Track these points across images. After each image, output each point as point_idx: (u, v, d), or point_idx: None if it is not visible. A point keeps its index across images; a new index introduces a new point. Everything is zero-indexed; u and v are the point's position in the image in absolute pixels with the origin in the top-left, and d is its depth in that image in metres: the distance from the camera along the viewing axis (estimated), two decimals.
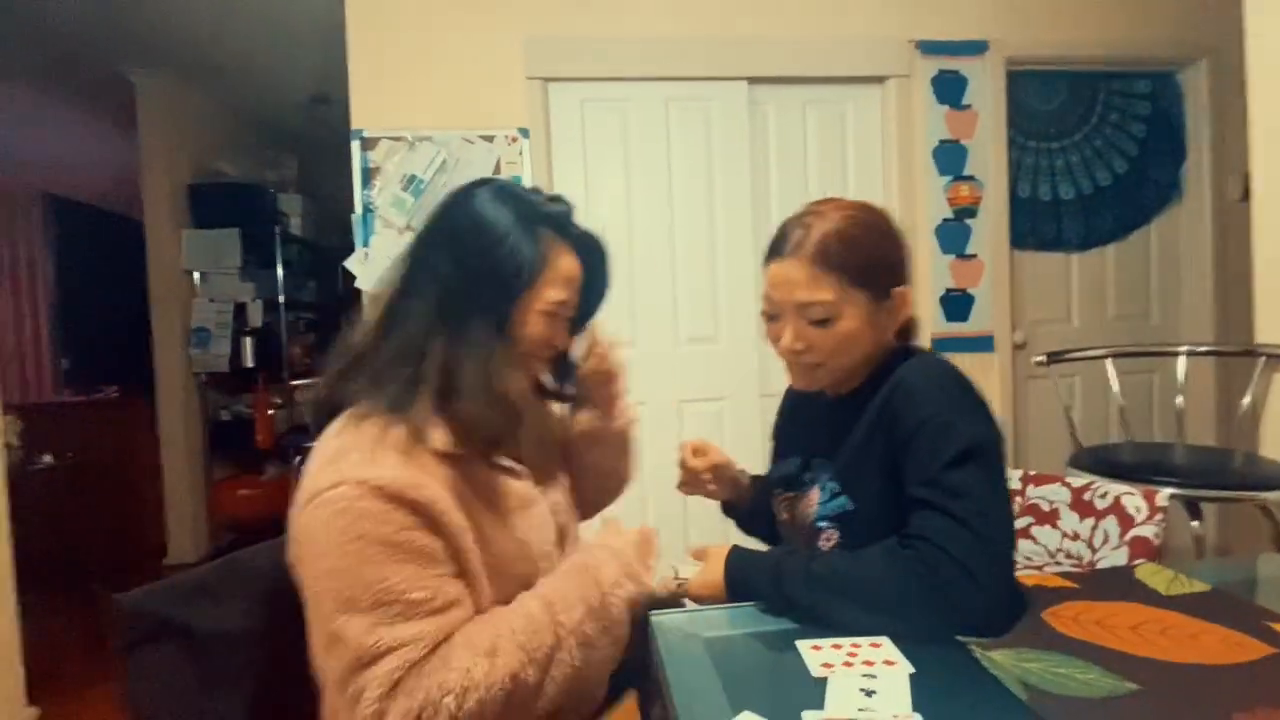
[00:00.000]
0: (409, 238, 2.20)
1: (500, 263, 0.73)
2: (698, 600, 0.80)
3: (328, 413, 0.74)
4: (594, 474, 0.99)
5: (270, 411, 3.49)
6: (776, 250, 0.84)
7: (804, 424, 0.95)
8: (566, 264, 0.78)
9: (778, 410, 1.06)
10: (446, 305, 0.72)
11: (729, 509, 1.11)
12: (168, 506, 3.33)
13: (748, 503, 1.07)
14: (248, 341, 3.47)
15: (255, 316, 3.50)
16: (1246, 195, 2.49)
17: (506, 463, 0.78)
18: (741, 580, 0.76)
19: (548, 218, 0.78)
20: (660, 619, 0.71)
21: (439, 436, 0.69)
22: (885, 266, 0.82)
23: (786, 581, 0.71)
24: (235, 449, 3.51)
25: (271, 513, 3.30)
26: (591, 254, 0.84)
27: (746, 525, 1.09)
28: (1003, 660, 0.59)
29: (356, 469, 0.64)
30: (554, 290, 0.76)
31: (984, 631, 0.64)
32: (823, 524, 0.82)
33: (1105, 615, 0.67)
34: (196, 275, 3.42)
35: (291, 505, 0.69)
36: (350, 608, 0.62)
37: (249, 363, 3.48)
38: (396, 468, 0.65)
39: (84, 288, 4.05)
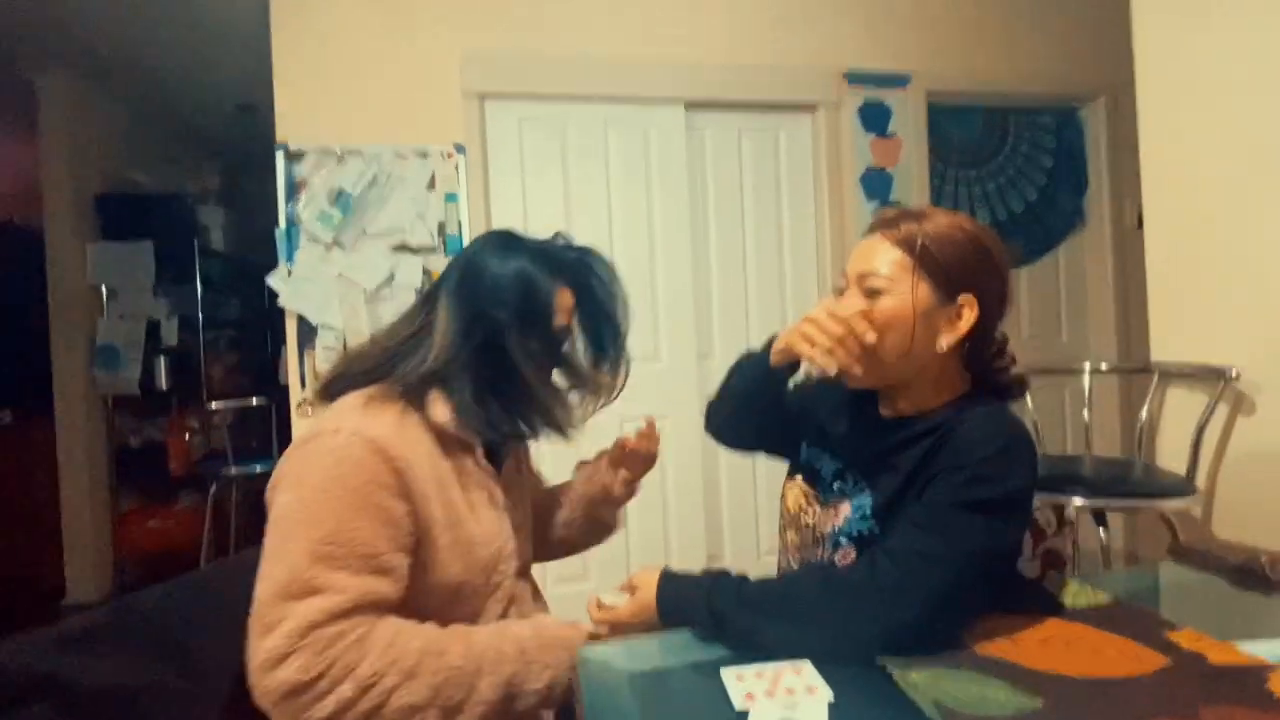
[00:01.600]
0: (336, 253, 2.17)
1: (536, 307, 0.84)
2: (629, 628, 0.78)
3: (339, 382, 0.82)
4: (590, 522, 1.09)
5: (186, 436, 3.27)
6: (870, 228, 0.83)
7: (850, 427, 0.89)
8: (564, 298, 0.88)
9: (808, 390, 1.00)
10: (484, 337, 0.81)
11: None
12: (66, 541, 3.06)
13: (777, 373, 0.95)
14: (161, 361, 3.26)
15: (170, 335, 3.29)
16: (1142, 223, 2.71)
17: (487, 465, 0.84)
18: (672, 603, 0.75)
19: (565, 266, 0.88)
20: (585, 653, 0.69)
21: (440, 411, 0.78)
22: (961, 270, 0.76)
23: (717, 600, 0.71)
24: (145, 478, 3.27)
25: (183, 546, 3.09)
26: (580, 279, 0.92)
27: (747, 382, 1.01)
28: (919, 681, 0.60)
29: (354, 419, 0.72)
30: (560, 322, 0.87)
31: (898, 644, 0.64)
32: (844, 540, 0.79)
33: (1014, 630, 0.69)
34: (105, 290, 3.19)
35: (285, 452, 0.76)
36: (304, 535, 0.67)
37: (163, 384, 3.26)
38: (389, 427, 0.73)
39: None
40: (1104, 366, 2.03)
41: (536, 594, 0.95)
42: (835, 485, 0.84)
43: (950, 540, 0.67)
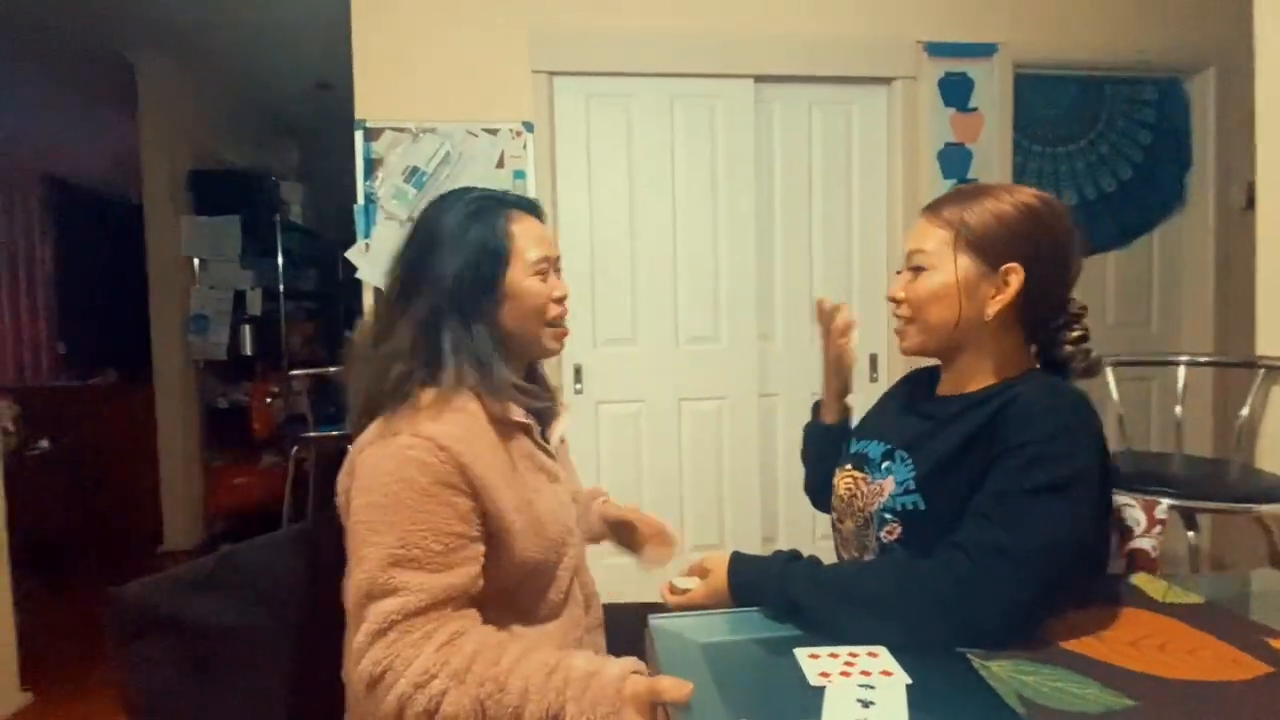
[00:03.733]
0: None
1: (478, 252, 0.82)
2: (702, 610, 0.79)
3: (372, 409, 0.81)
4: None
5: (268, 400, 3.48)
6: (924, 210, 0.87)
7: (902, 412, 0.92)
8: (527, 225, 0.86)
9: (886, 391, 1.04)
10: (446, 298, 0.81)
11: (815, 418, 1.12)
12: (163, 493, 3.33)
13: (832, 430, 1.07)
14: (246, 329, 3.47)
15: (254, 305, 3.49)
16: (1250, 204, 2.50)
17: (548, 446, 0.88)
18: (745, 585, 0.76)
19: (496, 200, 0.87)
20: (658, 623, 0.71)
21: (495, 404, 0.80)
22: (1005, 238, 0.79)
23: (791, 586, 0.71)
24: (232, 437, 3.51)
25: (266, 502, 3.30)
26: (539, 213, 0.91)
27: (814, 446, 1.10)
28: (1000, 672, 0.59)
29: (422, 425, 0.74)
30: (532, 250, 0.85)
31: (983, 645, 0.64)
32: (888, 515, 0.79)
33: (1103, 627, 0.67)
34: (196, 262, 3.41)
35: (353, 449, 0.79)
36: (377, 538, 0.70)
37: (247, 351, 3.48)
38: (452, 425, 0.75)
39: (83, 272, 4.03)
40: (1202, 359, 1.90)
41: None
42: (884, 465, 0.85)
43: (1025, 533, 0.66)
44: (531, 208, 0.89)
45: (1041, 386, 0.76)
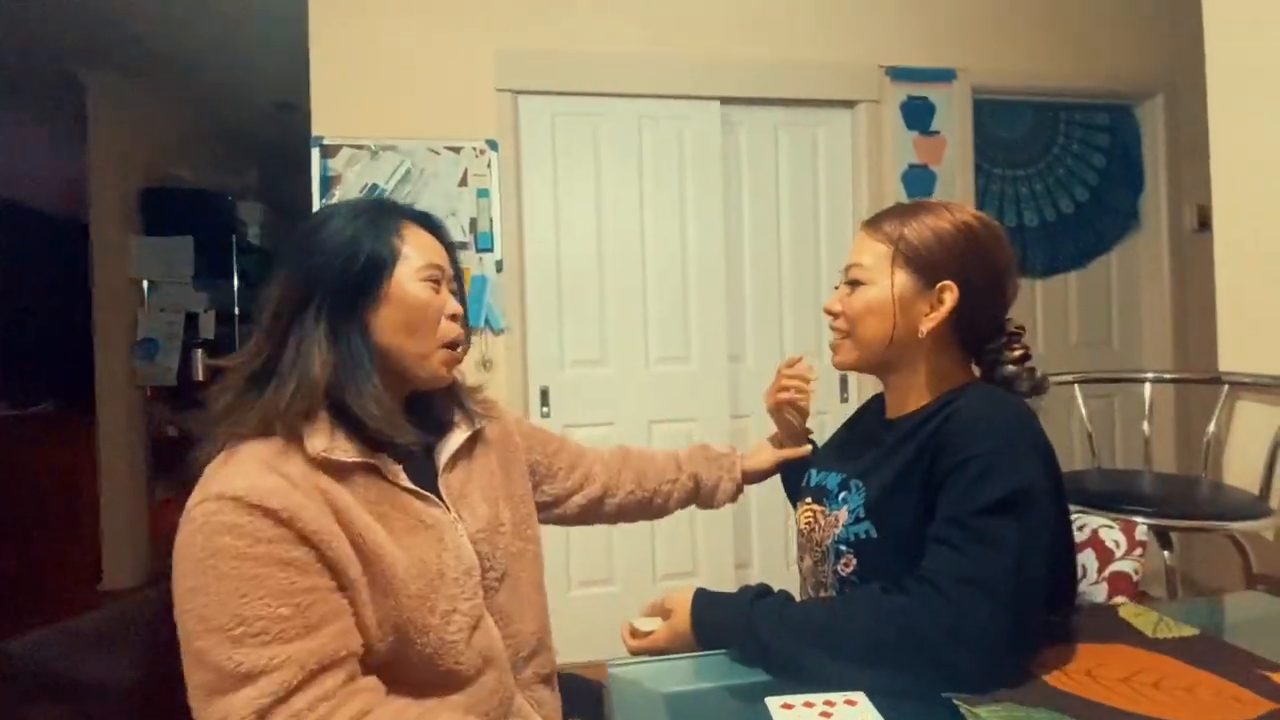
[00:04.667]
0: None
1: (352, 256, 0.71)
2: (665, 654, 0.74)
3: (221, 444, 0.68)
4: (647, 506, 1.07)
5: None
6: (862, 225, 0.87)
7: (856, 440, 0.91)
8: (419, 233, 0.77)
9: (846, 419, 1.02)
10: (312, 313, 0.70)
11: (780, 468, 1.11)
12: (104, 528, 3.13)
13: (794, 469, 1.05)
14: (198, 354, 3.32)
15: (208, 328, 3.35)
16: (1202, 225, 2.58)
17: (408, 484, 0.72)
18: (710, 626, 0.71)
19: (386, 207, 0.78)
20: (616, 671, 0.65)
21: (318, 442, 0.66)
22: (942, 255, 0.78)
23: (761, 627, 0.66)
24: (181, 467, 3.32)
25: None
26: (443, 231, 0.81)
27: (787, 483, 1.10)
28: (990, 718, 0.54)
29: (217, 484, 0.61)
30: (419, 256, 0.74)
31: (969, 690, 0.59)
32: (843, 547, 0.77)
33: (1094, 664, 0.62)
34: (145, 284, 3.26)
35: None
36: (209, 627, 0.57)
37: (199, 376, 3.32)
38: (255, 477, 0.61)
39: (22, 295, 3.83)
40: (1168, 376, 1.92)
41: (538, 589, 0.84)
42: (840, 496, 0.82)
43: (989, 555, 0.62)
44: (427, 221, 0.79)
45: (979, 399, 0.75)
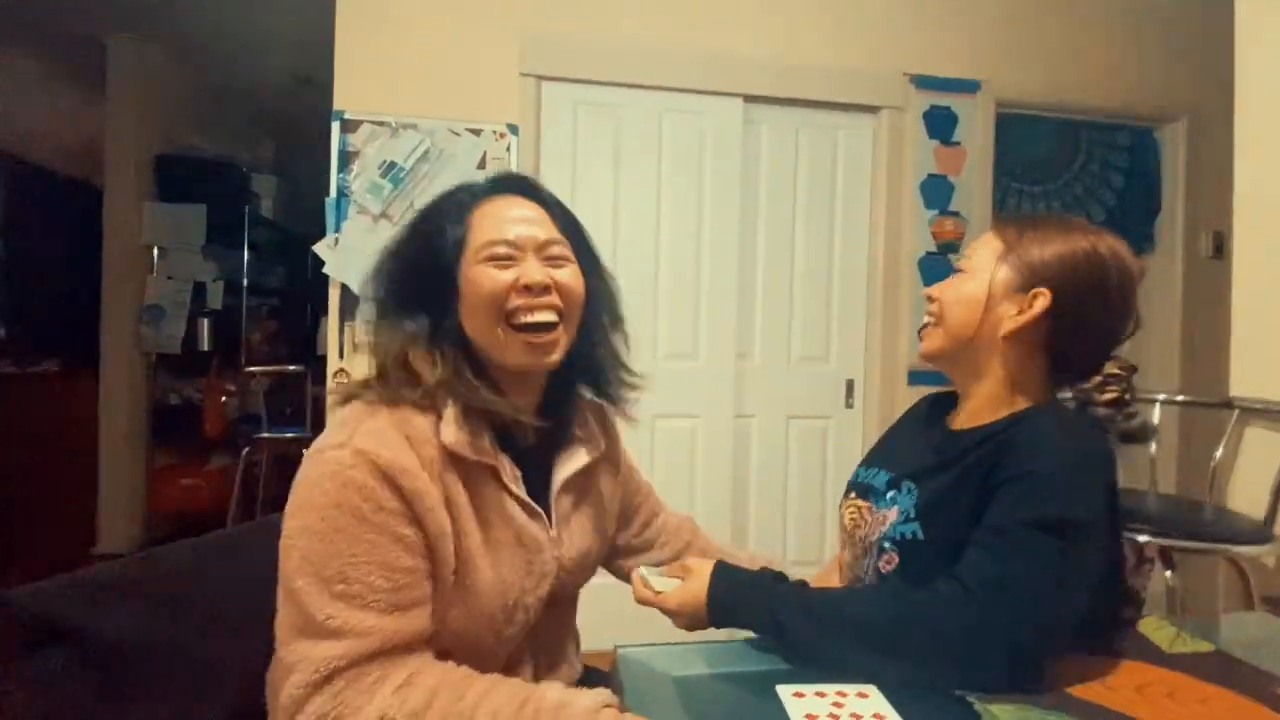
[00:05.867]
0: (384, 225, 2.02)
1: (429, 245, 0.71)
2: (670, 616, 0.73)
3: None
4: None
5: (223, 398, 3.33)
6: None
7: (912, 442, 0.89)
8: (496, 207, 0.73)
9: (897, 419, 1.00)
10: (407, 304, 0.71)
11: None
12: (102, 492, 3.14)
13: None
14: (205, 323, 3.32)
15: (215, 298, 3.35)
16: (1217, 252, 2.57)
17: (521, 494, 0.71)
18: (728, 600, 0.70)
19: (471, 188, 0.76)
20: (627, 653, 0.65)
21: (449, 432, 0.66)
22: (1048, 264, 0.75)
23: (779, 607, 0.66)
24: (181, 436, 3.33)
25: (213, 505, 3.13)
26: (551, 200, 0.77)
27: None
28: (1003, 716, 0.54)
29: (363, 439, 0.62)
30: (480, 234, 0.71)
31: (979, 691, 0.59)
32: (887, 545, 0.76)
33: (1110, 673, 0.62)
34: (156, 250, 3.26)
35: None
36: (313, 571, 0.59)
37: (204, 345, 3.32)
38: (398, 450, 0.62)
39: (32, 254, 3.83)
40: (1179, 399, 1.92)
41: (574, 605, 0.83)
42: (889, 495, 0.81)
43: (1025, 568, 0.61)
44: (514, 186, 0.75)
45: (1056, 418, 0.72)
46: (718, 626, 0.70)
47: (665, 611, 0.73)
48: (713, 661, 0.65)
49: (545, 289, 0.69)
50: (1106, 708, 0.57)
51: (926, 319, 0.84)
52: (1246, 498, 1.46)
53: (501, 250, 0.69)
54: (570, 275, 0.72)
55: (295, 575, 0.60)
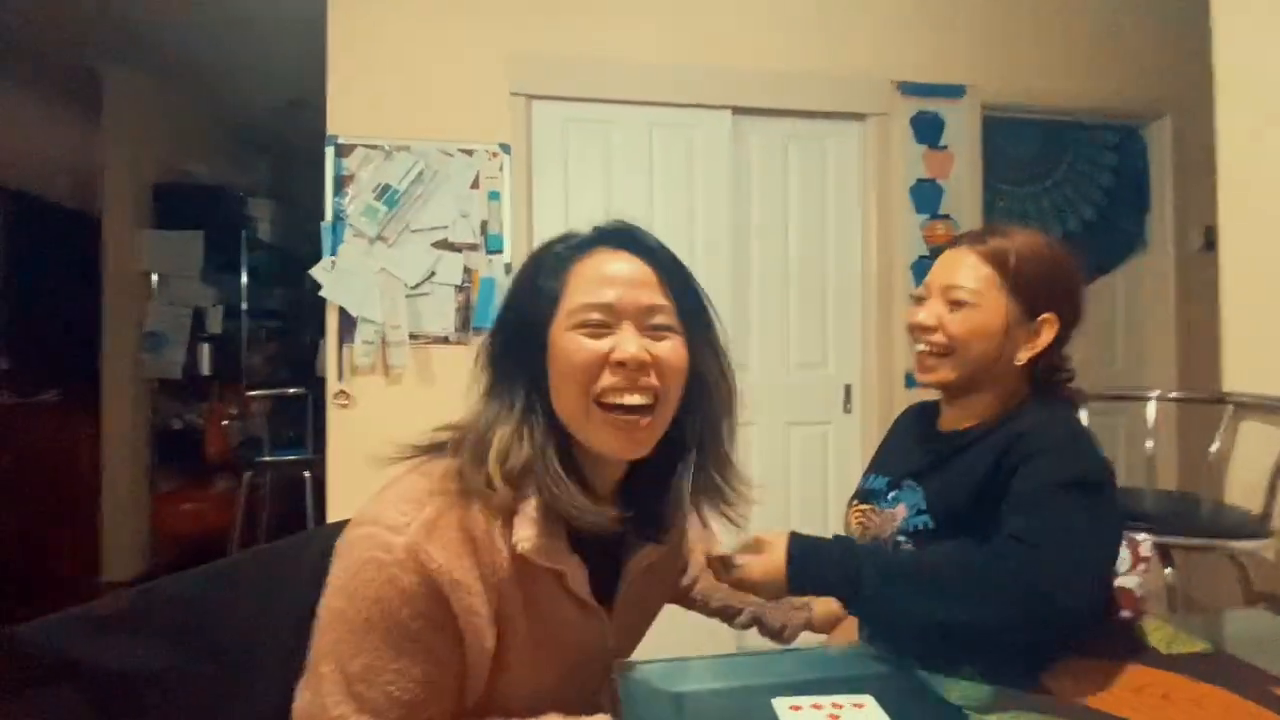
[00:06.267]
0: (379, 248, 2.01)
1: (524, 305, 0.64)
2: (755, 590, 0.77)
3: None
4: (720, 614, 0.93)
5: (224, 422, 3.34)
6: (954, 242, 0.88)
7: (908, 448, 0.94)
8: (595, 263, 0.63)
9: (886, 432, 1.05)
10: (502, 373, 0.64)
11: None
12: (105, 519, 3.14)
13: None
14: (205, 348, 3.34)
15: (215, 323, 3.37)
16: (1208, 246, 2.59)
17: (585, 595, 0.64)
18: (807, 568, 0.73)
19: (577, 237, 0.68)
20: (625, 671, 0.65)
21: (523, 533, 0.59)
22: (1045, 289, 0.82)
23: (855, 564, 0.70)
24: (183, 460, 3.34)
25: (217, 529, 3.14)
26: (661, 254, 0.67)
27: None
28: None
29: (419, 532, 0.56)
30: (575, 295, 0.62)
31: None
32: (902, 538, 0.81)
33: (1105, 676, 0.63)
34: (155, 277, 3.28)
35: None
36: (338, 662, 0.56)
37: (205, 370, 3.34)
38: (458, 560, 0.56)
39: (31, 284, 3.85)
40: (1172, 395, 1.92)
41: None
42: (890, 495, 0.87)
43: (1063, 521, 0.68)
44: (620, 238, 0.66)
45: (1049, 411, 0.81)
46: (797, 593, 0.75)
47: (749, 586, 0.77)
48: (711, 676, 0.65)
49: (641, 366, 0.60)
50: (1102, 711, 0.57)
51: (926, 348, 0.85)
52: (1243, 492, 1.47)
53: (595, 317, 0.60)
54: (672, 350, 0.62)
55: (323, 658, 0.57)
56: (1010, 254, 0.82)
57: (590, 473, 0.64)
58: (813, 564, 0.73)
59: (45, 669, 0.61)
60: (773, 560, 0.74)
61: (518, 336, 0.63)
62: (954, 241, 0.88)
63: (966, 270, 0.83)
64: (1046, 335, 0.81)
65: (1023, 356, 0.82)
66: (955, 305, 0.83)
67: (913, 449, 0.91)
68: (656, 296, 0.63)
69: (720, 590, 0.90)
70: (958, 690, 0.60)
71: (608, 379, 0.59)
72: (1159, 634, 0.72)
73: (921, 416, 0.97)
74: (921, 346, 0.86)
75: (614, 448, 0.61)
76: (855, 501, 0.92)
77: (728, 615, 0.93)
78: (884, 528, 0.84)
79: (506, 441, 0.60)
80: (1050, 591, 0.63)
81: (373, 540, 0.57)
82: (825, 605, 0.96)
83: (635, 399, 0.60)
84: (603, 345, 0.60)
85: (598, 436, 0.61)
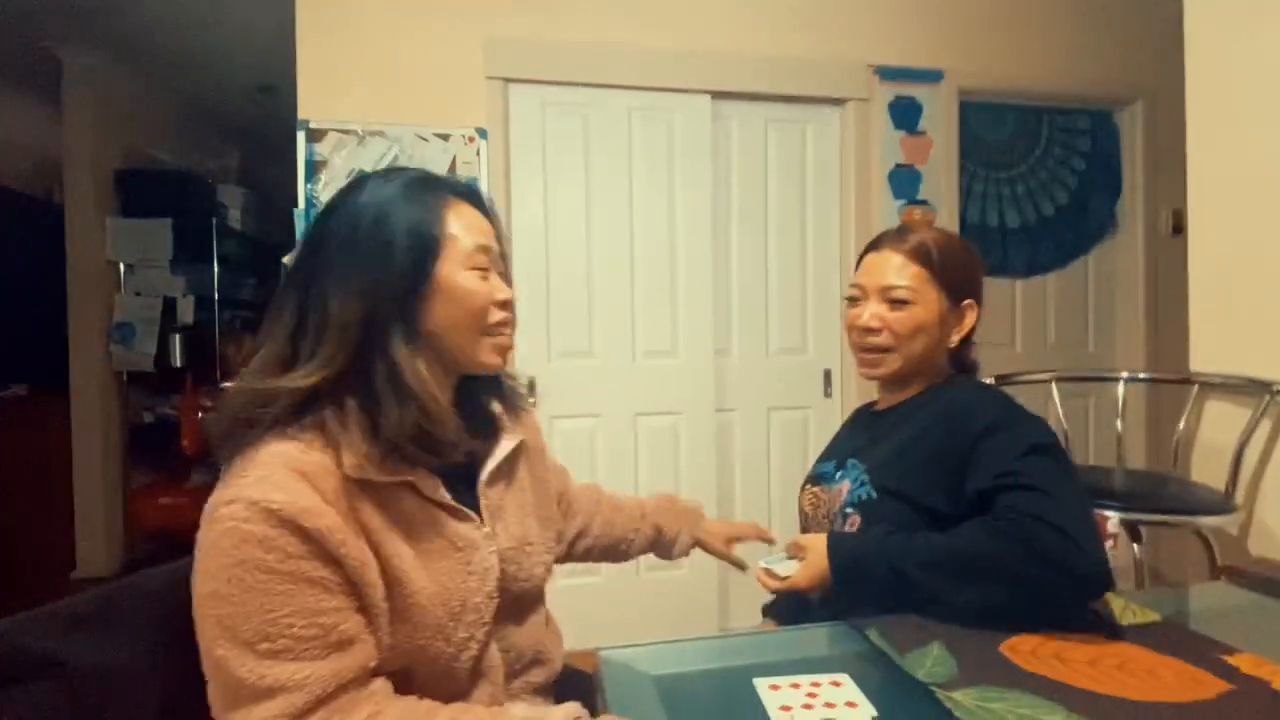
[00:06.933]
0: None
1: (403, 236, 0.66)
2: (807, 595, 0.82)
3: (235, 438, 0.64)
4: (612, 551, 1.06)
5: (199, 414, 3.27)
6: (875, 245, 0.96)
7: (848, 436, 1.04)
8: (466, 212, 0.71)
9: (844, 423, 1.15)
10: (346, 306, 0.64)
11: None
12: (78, 515, 3.08)
13: None
14: (177, 339, 3.27)
15: (186, 313, 3.29)
16: (1177, 230, 2.64)
17: (446, 499, 0.68)
18: (851, 567, 0.78)
19: (429, 181, 0.72)
20: (608, 655, 0.66)
21: (350, 459, 0.62)
22: (963, 278, 0.92)
23: (896, 557, 0.74)
24: (158, 454, 3.28)
25: (193, 524, 3.08)
26: (491, 207, 0.76)
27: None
28: (966, 701, 0.57)
29: (251, 488, 0.58)
30: (468, 239, 0.69)
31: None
32: (849, 510, 0.87)
33: (1062, 648, 0.65)
34: (122, 267, 3.20)
35: None
36: (232, 637, 0.56)
37: (177, 362, 3.27)
38: (293, 491, 0.58)
39: None
40: (1141, 376, 1.97)
41: (548, 621, 0.84)
42: (836, 474, 0.94)
43: (1049, 482, 0.72)
44: (473, 196, 0.74)
45: (972, 387, 0.92)
46: (845, 593, 0.78)
47: (798, 592, 0.82)
48: (691, 659, 0.66)
49: (508, 302, 0.73)
50: (1061, 682, 0.59)
51: (871, 343, 0.93)
52: (1209, 470, 1.51)
53: (484, 261, 0.70)
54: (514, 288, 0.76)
55: (214, 645, 0.57)
56: (932, 250, 0.91)
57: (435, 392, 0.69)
58: (854, 567, 0.78)
59: (22, 665, 0.60)
60: (818, 566, 0.79)
61: (389, 273, 0.66)
62: (874, 244, 0.96)
63: (899, 270, 0.91)
64: (970, 319, 0.93)
65: (954, 340, 0.93)
66: (896, 304, 0.90)
67: (853, 435, 1.02)
68: (498, 246, 0.74)
69: (611, 530, 1.04)
70: (924, 668, 0.61)
71: (497, 314, 0.71)
72: (1113, 605, 0.74)
73: (864, 410, 1.08)
74: (865, 345, 0.94)
75: (496, 363, 0.72)
76: (808, 485, 1.00)
77: (618, 553, 1.06)
78: (832, 503, 0.91)
79: (323, 379, 0.63)
80: (1081, 553, 0.67)
81: (213, 520, 0.59)
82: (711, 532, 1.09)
83: (510, 332, 0.73)
84: (488, 287, 0.70)
85: (485, 358, 0.71)
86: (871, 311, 0.92)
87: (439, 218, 0.69)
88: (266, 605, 0.56)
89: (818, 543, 0.81)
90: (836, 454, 0.99)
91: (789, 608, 0.96)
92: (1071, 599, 0.70)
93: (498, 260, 0.73)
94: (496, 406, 0.81)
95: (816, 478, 0.99)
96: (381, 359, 0.65)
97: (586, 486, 1.07)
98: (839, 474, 0.93)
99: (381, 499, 0.64)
